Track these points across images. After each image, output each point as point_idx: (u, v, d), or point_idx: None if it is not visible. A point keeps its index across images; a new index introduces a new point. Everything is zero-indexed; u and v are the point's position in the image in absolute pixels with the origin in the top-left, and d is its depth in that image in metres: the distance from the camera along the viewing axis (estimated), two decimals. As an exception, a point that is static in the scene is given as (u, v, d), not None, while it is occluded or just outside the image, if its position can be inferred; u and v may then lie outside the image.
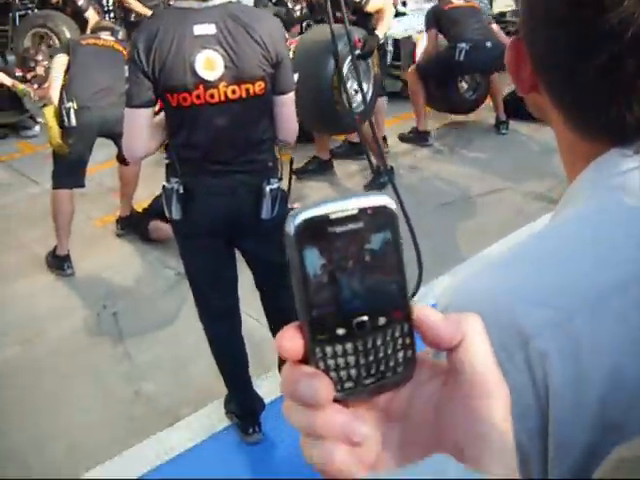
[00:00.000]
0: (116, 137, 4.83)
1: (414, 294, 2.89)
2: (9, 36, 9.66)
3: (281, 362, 3.25)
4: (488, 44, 6.67)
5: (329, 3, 3.14)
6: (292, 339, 0.45)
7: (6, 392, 3.77)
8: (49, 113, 4.73)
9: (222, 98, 2.58)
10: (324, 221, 0.44)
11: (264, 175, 2.76)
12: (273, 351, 3.32)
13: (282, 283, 3.11)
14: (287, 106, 2.76)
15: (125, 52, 4.90)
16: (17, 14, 9.90)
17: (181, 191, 2.70)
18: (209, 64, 2.53)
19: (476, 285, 0.72)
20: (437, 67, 6.77)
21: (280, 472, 3.07)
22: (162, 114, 2.70)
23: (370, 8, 5.29)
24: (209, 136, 2.64)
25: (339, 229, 0.44)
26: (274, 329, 3.24)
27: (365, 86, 5.20)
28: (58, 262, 4.84)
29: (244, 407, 3.22)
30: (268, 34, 2.59)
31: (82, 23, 7.84)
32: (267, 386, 3.42)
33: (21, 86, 7.20)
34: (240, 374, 3.17)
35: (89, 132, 4.75)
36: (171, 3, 2.75)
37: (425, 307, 0.47)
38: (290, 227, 0.44)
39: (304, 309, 0.45)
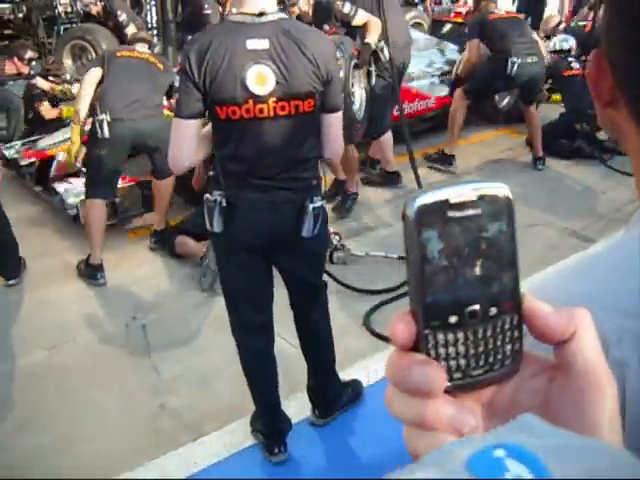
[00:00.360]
0: (150, 150, 4.88)
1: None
2: (49, 48, 9.82)
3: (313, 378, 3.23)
4: (534, 59, 6.65)
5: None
6: (407, 324, 0.45)
7: (32, 395, 3.79)
8: (75, 130, 4.80)
9: (271, 113, 2.58)
10: (444, 205, 0.43)
11: (308, 193, 2.75)
12: (302, 372, 3.32)
13: (315, 304, 3.11)
14: (335, 125, 2.76)
15: (159, 64, 4.98)
16: (62, 27, 10.07)
17: (224, 204, 2.70)
18: (260, 79, 2.54)
19: (552, 290, 0.70)
20: (488, 80, 6.73)
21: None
22: (209, 126, 2.70)
23: (357, 22, 5.39)
24: (255, 151, 2.65)
25: (458, 214, 0.43)
26: (305, 350, 3.23)
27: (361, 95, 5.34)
28: (91, 271, 4.86)
29: (271, 426, 3.19)
30: (320, 52, 2.60)
31: (122, 38, 7.97)
32: (294, 407, 3.40)
33: (59, 87, 7.25)
34: (269, 392, 3.14)
35: (121, 144, 4.80)
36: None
37: (535, 299, 0.46)
38: (410, 210, 0.43)
39: (419, 295, 0.44)
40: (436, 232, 0.43)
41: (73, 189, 5.38)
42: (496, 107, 7.71)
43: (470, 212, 0.43)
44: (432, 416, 0.44)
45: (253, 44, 2.54)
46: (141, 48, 5.12)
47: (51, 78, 7.56)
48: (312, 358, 3.24)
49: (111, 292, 4.82)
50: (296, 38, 2.57)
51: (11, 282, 4.77)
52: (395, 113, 5.88)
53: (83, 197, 4.99)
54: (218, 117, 2.61)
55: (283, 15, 2.66)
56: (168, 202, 5.26)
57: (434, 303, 0.44)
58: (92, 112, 4.75)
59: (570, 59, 7.60)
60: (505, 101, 7.88)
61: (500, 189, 0.44)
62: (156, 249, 5.28)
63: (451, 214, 0.43)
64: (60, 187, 5.48)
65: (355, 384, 3.51)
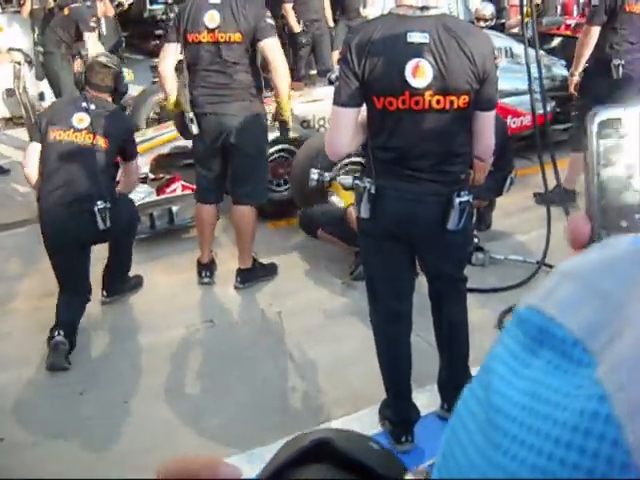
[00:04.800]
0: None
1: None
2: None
3: None
4: None
5: None
6: (584, 224, 0.48)
7: (170, 368, 4.00)
8: None
9: (426, 106, 2.64)
10: (620, 121, 0.48)
11: (455, 186, 2.79)
12: (432, 365, 3.34)
13: (455, 298, 3.13)
14: (487, 123, 2.78)
15: None
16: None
17: (372, 191, 2.78)
18: (418, 71, 2.60)
19: None
20: None
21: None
22: (364, 114, 2.79)
23: None
24: (408, 142, 2.71)
25: (629, 130, 0.48)
26: (439, 343, 3.26)
27: None
28: (198, 269, 4.94)
29: (400, 414, 3.23)
30: (478, 50, 2.63)
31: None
32: (423, 399, 3.42)
33: None
34: (402, 379, 3.18)
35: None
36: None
37: None
38: (591, 121, 0.48)
39: (595, 198, 0.48)
40: (612, 143, 0.48)
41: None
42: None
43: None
44: None
45: (414, 37, 2.61)
46: None
47: None
48: (446, 351, 3.25)
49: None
50: (456, 34, 2.62)
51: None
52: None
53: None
54: (375, 106, 2.69)
55: (445, 11, 2.72)
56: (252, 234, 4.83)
57: (608, 207, 0.48)
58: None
59: None
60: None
61: None
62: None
63: (625, 129, 0.48)
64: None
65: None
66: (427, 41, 2.60)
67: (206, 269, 4.92)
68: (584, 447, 0.28)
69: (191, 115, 4.47)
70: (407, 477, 0.53)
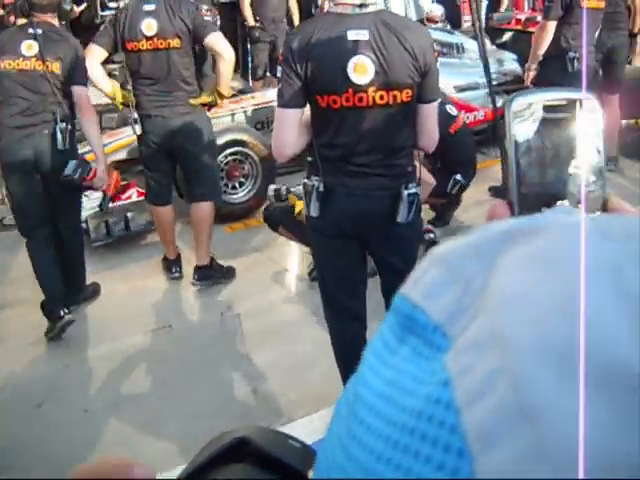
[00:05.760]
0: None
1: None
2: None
3: None
4: None
5: None
6: (503, 213, 0.48)
7: (127, 376, 3.97)
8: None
9: (370, 102, 2.65)
10: (539, 106, 0.48)
11: (403, 179, 2.80)
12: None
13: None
14: (430, 115, 2.80)
15: None
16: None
17: (321, 189, 2.78)
18: (361, 69, 2.61)
19: None
20: None
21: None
22: (308, 114, 2.79)
23: None
24: (353, 138, 2.72)
25: (551, 115, 0.48)
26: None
27: None
28: (166, 265, 5.02)
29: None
30: (418, 43, 2.65)
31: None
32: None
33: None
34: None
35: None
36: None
37: (620, 200, 0.48)
38: (508, 107, 0.48)
39: (514, 186, 0.48)
40: (531, 130, 0.48)
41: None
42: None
43: (561, 114, 0.48)
44: None
45: (354, 35, 2.62)
46: None
47: None
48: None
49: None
50: (395, 30, 2.63)
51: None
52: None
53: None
54: (319, 106, 2.69)
55: (383, 7, 2.74)
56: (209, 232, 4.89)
57: (527, 195, 0.48)
58: None
59: None
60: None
61: (588, 96, 0.48)
62: (201, 287, 4.91)
63: (545, 115, 0.48)
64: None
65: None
66: (367, 38, 2.62)
67: (174, 264, 4.97)
68: (426, 434, 0.27)
69: (135, 115, 4.50)
70: None
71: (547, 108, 0.48)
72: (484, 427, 0.26)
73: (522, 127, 0.48)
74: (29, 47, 4.13)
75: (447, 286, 0.32)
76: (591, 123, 0.48)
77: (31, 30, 4.16)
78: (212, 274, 4.90)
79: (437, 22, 8.25)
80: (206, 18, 4.49)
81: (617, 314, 0.27)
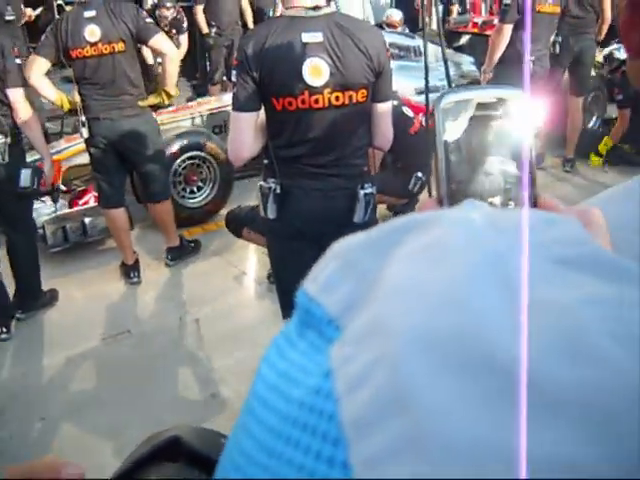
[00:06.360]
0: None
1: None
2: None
3: None
4: None
5: None
6: (431, 208, 0.48)
7: (86, 382, 3.93)
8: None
9: (326, 104, 2.66)
10: (468, 103, 0.48)
11: (359, 179, 2.82)
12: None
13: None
14: (385, 114, 2.82)
15: None
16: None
17: (278, 191, 2.78)
18: (315, 71, 2.62)
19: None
20: None
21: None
22: (263, 117, 2.80)
23: None
24: (310, 140, 2.72)
25: (480, 113, 0.48)
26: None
27: None
28: (125, 270, 5.01)
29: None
30: (372, 44, 2.67)
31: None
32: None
33: None
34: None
35: None
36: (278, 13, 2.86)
37: (550, 198, 0.47)
38: (438, 105, 0.48)
39: (444, 183, 0.48)
40: (460, 127, 0.48)
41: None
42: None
43: (492, 112, 0.48)
44: None
45: (308, 37, 2.62)
46: None
47: None
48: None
49: (165, 287, 4.97)
50: (349, 31, 2.65)
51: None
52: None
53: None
54: (274, 108, 2.69)
55: (335, 9, 2.75)
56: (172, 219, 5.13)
57: (457, 192, 0.48)
58: None
59: None
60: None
61: (519, 94, 0.48)
62: (173, 265, 5.21)
63: (475, 112, 0.48)
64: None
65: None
66: (321, 40, 2.63)
67: (133, 269, 4.97)
68: (306, 423, 0.28)
69: (82, 119, 4.52)
70: None
71: (480, 106, 0.48)
72: (360, 416, 0.26)
73: (452, 124, 0.48)
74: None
75: (343, 279, 0.32)
76: (521, 121, 0.48)
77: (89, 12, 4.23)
78: (182, 252, 5.20)
79: (397, 27, 8.32)
80: (147, 20, 4.51)
81: (499, 304, 0.27)
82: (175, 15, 8.04)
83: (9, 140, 4.07)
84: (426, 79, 4.05)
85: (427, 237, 0.31)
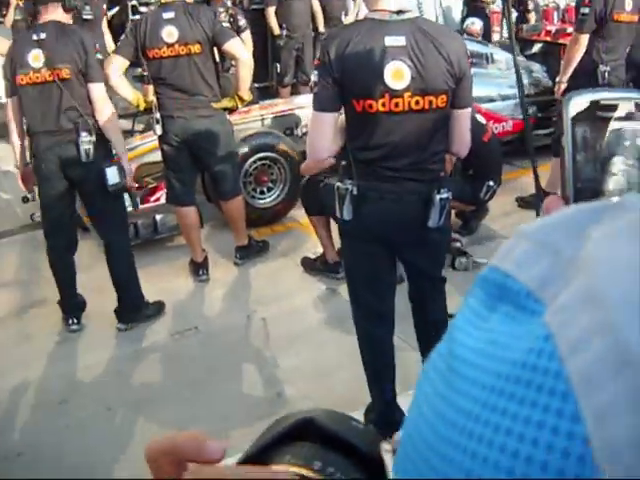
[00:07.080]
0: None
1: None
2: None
3: None
4: None
5: None
6: (558, 205, 0.49)
7: (153, 376, 4.02)
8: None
9: (406, 108, 2.67)
10: (595, 106, 0.49)
11: (435, 184, 2.82)
12: (416, 368, 3.34)
13: (434, 296, 3.16)
14: (463, 120, 2.83)
15: None
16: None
17: (354, 192, 2.80)
18: (397, 74, 2.63)
19: None
20: None
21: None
22: (343, 117, 2.81)
23: None
24: (388, 143, 2.74)
25: (606, 114, 0.49)
26: (421, 344, 3.27)
27: None
28: (194, 268, 5.06)
29: (385, 416, 3.22)
30: (454, 50, 2.68)
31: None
32: (407, 402, 3.41)
33: None
34: (386, 379, 3.20)
35: None
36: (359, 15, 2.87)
37: None
38: (566, 105, 0.49)
39: (570, 182, 0.50)
40: (587, 128, 0.49)
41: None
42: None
43: (616, 114, 0.49)
44: None
45: (391, 41, 2.64)
46: None
47: None
48: (429, 352, 3.24)
49: (232, 285, 5.03)
50: (432, 36, 2.66)
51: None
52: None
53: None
54: (354, 110, 2.71)
55: (419, 14, 2.75)
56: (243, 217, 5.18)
57: (583, 189, 0.49)
58: None
59: None
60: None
61: None
62: (242, 264, 5.26)
63: (600, 114, 0.49)
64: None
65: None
66: (404, 44, 2.64)
67: (202, 267, 5.04)
68: (531, 381, 0.30)
69: (157, 116, 4.60)
70: (385, 446, 0.54)
71: (602, 108, 0.49)
72: (587, 373, 0.28)
73: (579, 125, 0.48)
74: (36, 57, 4.02)
75: (538, 257, 0.34)
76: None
77: (35, 37, 4.04)
78: (251, 252, 5.27)
79: (476, 36, 8.28)
80: (224, 24, 4.58)
81: None
82: (229, 19, 8.03)
83: (94, 138, 4.11)
84: (520, 86, 3.99)
85: (622, 219, 0.33)
